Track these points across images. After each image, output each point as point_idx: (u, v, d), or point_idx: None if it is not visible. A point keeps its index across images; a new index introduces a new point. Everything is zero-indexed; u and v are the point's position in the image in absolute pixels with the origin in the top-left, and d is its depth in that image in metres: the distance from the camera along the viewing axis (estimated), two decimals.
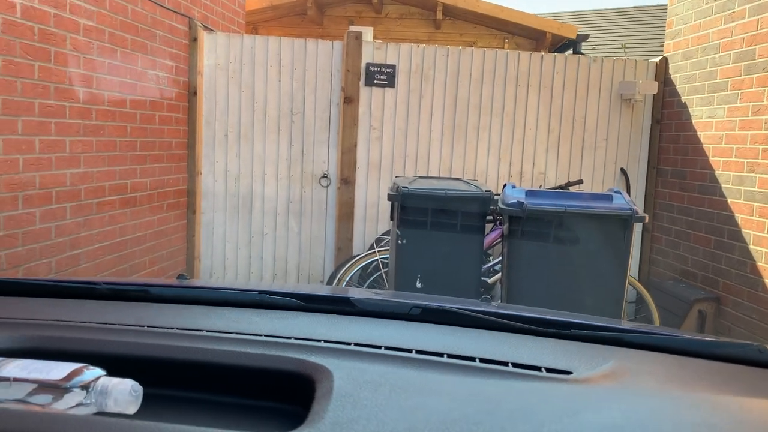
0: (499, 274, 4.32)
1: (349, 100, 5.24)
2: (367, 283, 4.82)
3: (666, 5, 5.50)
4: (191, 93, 5.12)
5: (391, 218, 3.97)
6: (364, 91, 5.29)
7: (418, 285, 3.68)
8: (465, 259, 3.72)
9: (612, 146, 5.46)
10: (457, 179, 4.22)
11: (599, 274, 3.49)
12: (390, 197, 3.82)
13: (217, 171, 5.32)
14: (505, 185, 3.73)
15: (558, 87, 5.38)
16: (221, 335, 1.01)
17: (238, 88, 5.25)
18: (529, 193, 3.53)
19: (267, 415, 0.88)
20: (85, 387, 0.79)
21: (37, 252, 3.51)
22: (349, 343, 1.00)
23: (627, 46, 10.37)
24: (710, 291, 4.63)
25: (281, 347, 0.95)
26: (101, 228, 4.09)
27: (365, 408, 0.76)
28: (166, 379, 0.91)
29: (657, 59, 5.46)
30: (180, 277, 1.44)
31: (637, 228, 5.28)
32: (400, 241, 3.70)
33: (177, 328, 1.04)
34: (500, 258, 4.17)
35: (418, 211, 3.71)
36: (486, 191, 3.71)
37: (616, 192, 3.62)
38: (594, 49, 10.92)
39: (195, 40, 5.08)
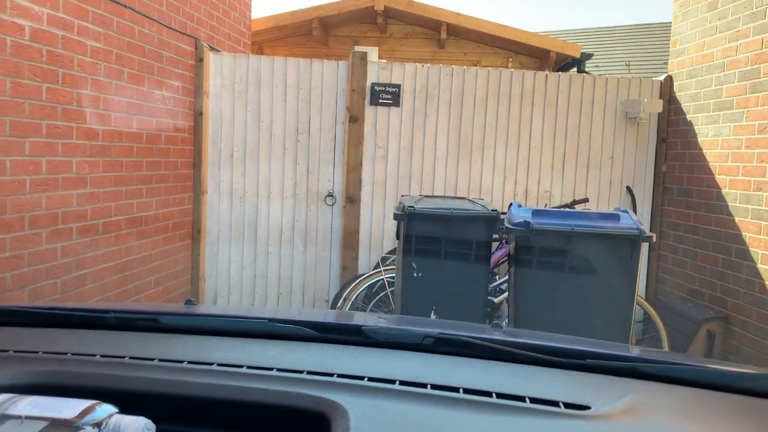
0: (506, 293, 4.30)
1: (355, 119, 5.26)
2: (373, 302, 4.80)
3: (670, 23, 5.52)
4: (197, 113, 5.14)
5: (397, 237, 3.96)
6: (369, 111, 5.30)
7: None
8: (472, 278, 3.70)
9: (617, 164, 5.45)
10: (463, 198, 4.22)
11: (607, 294, 3.46)
12: (396, 216, 3.81)
13: (223, 190, 5.33)
14: (511, 204, 3.72)
15: (563, 105, 5.39)
16: (233, 369, 0.99)
17: (244, 107, 5.27)
18: (536, 213, 3.52)
19: None
20: (98, 425, 0.78)
21: (43, 273, 3.51)
22: (362, 378, 0.98)
23: (631, 64, 10.41)
24: (718, 310, 4.60)
25: (295, 383, 0.94)
26: (107, 248, 4.08)
27: None
28: (179, 415, 0.90)
29: (662, 78, 5.47)
30: (188, 302, 1.43)
31: (644, 246, 5.26)
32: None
33: (188, 362, 1.03)
34: (507, 277, 4.15)
35: (424, 230, 3.70)
36: (492, 211, 3.70)
37: (623, 211, 3.60)
38: (598, 67, 10.96)
39: (201, 60, 5.11)
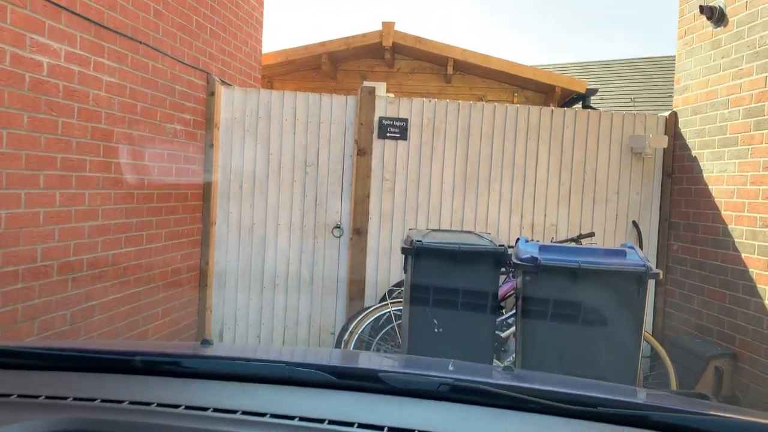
0: (513, 328, 4.30)
1: (363, 152, 5.32)
2: (380, 335, 4.79)
3: (674, 57, 5.60)
4: (208, 145, 5.21)
5: (405, 271, 3.98)
6: (377, 144, 5.37)
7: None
8: (479, 313, 3.71)
9: (623, 199, 5.48)
10: (470, 232, 4.25)
11: (614, 331, 3.46)
12: (404, 250, 3.84)
13: (231, 221, 5.37)
14: (518, 239, 3.75)
15: (568, 140, 5.45)
16: (257, 418, 1.02)
17: (254, 140, 5.34)
18: (543, 248, 3.55)
19: None
20: None
21: (53, 304, 3.53)
22: (382, 428, 1.00)
23: (636, 96, 10.51)
24: (726, 347, 4.58)
25: None
26: (116, 279, 4.11)
27: None
28: None
29: (666, 114, 5.53)
30: (204, 342, 1.46)
31: (651, 281, 5.26)
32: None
33: (213, 409, 1.05)
34: (513, 311, 4.16)
35: (431, 264, 3.72)
36: (500, 246, 3.72)
37: (629, 247, 3.62)
38: (602, 99, 11.07)
39: (213, 94, 5.20)
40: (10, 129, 3.15)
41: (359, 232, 5.35)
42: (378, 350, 4.81)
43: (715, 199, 4.82)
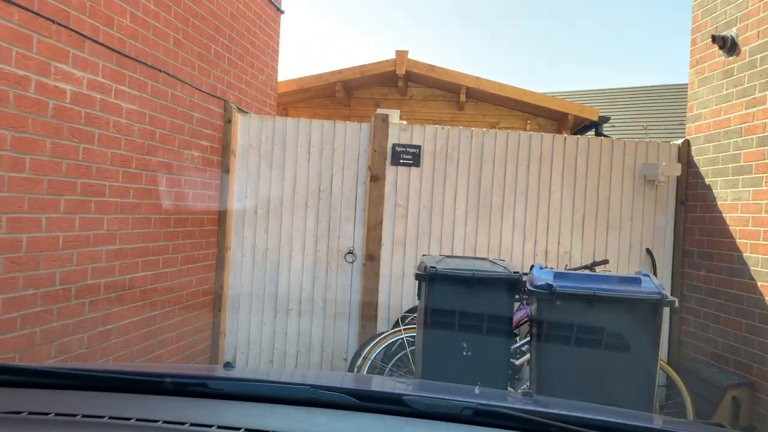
0: (527, 355, 4.27)
1: (376, 178, 5.37)
2: (392, 362, 4.78)
3: (686, 85, 5.63)
4: (224, 171, 5.28)
5: (418, 297, 3.99)
6: (390, 170, 5.42)
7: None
8: (493, 340, 3.70)
9: (637, 226, 5.48)
10: (484, 259, 4.25)
11: (629, 359, 3.44)
12: (417, 277, 3.85)
13: (246, 246, 5.42)
14: (532, 266, 3.75)
15: (581, 167, 5.47)
16: None
17: (269, 166, 5.41)
18: (558, 276, 3.55)
19: None
20: None
21: (71, 327, 3.57)
22: None
23: (648, 124, 10.53)
24: (743, 376, 4.52)
25: None
26: (132, 303, 4.15)
27: None
28: None
29: (679, 141, 5.54)
30: (226, 366, 1.48)
31: (666, 309, 5.22)
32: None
33: (245, 429, 1.07)
34: (528, 338, 4.14)
35: (445, 291, 3.73)
36: (514, 273, 3.73)
37: (644, 275, 3.61)
38: (614, 127, 11.10)
39: (229, 121, 5.29)
40: (33, 155, 3.22)
41: (372, 257, 5.37)
42: (391, 376, 4.79)
43: (730, 227, 4.81)
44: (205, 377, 1.35)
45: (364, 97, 8.23)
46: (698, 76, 5.34)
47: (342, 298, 5.44)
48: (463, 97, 7.72)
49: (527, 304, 4.54)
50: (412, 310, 5.17)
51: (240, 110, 5.48)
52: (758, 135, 4.53)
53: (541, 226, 5.46)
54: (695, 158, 5.34)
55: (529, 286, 3.54)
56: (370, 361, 4.65)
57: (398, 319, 5.21)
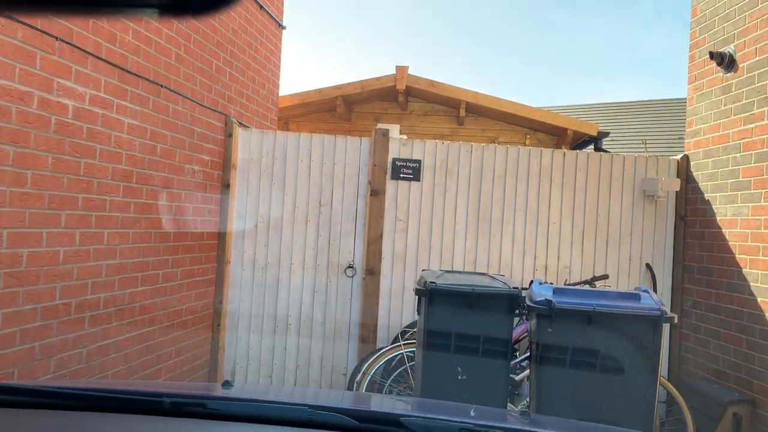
0: (527, 371, 4.26)
1: (376, 192, 5.38)
2: (392, 377, 4.77)
3: (685, 99, 5.66)
4: (224, 185, 5.30)
5: (418, 312, 3.98)
6: (390, 185, 5.43)
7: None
8: (493, 355, 3.70)
9: (636, 241, 5.48)
10: (484, 274, 4.25)
11: (629, 375, 3.43)
12: (417, 292, 3.85)
13: (246, 260, 5.42)
14: (531, 281, 3.75)
15: (581, 182, 5.49)
16: None
17: (270, 181, 5.42)
18: (557, 291, 3.55)
19: None
20: None
21: (70, 342, 3.57)
22: None
23: (647, 138, 10.56)
24: (744, 393, 4.51)
25: None
26: (131, 318, 4.15)
27: None
28: None
29: (678, 157, 5.56)
30: (225, 384, 1.48)
31: (666, 325, 5.21)
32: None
33: None
34: (527, 354, 4.13)
35: (445, 306, 3.73)
36: (513, 288, 3.73)
37: (643, 291, 3.61)
38: (614, 141, 11.13)
39: (230, 135, 5.31)
40: (34, 170, 3.24)
41: (372, 272, 5.37)
42: (390, 392, 4.78)
43: (729, 243, 4.81)
44: (203, 397, 1.35)
45: (364, 111, 8.27)
46: (697, 92, 5.37)
47: (342, 312, 5.44)
48: (462, 112, 7.75)
49: (527, 319, 4.53)
50: (412, 325, 5.16)
51: (241, 124, 5.51)
52: (757, 151, 4.54)
53: (540, 240, 5.46)
54: (694, 173, 5.36)
55: (528, 302, 3.54)
56: (369, 377, 4.64)
57: (398, 334, 5.20)
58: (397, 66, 7.38)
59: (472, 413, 1.39)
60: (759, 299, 4.43)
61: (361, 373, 4.67)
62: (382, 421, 1.32)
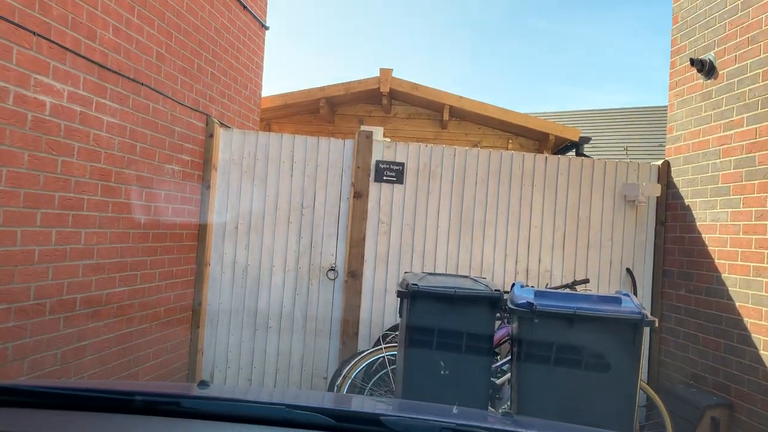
0: (508, 374, 4.26)
1: (359, 195, 5.36)
2: (373, 380, 4.74)
3: (666, 107, 5.71)
4: (205, 186, 5.24)
5: (400, 315, 3.96)
6: (373, 187, 5.41)
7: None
8: (474, 359, 3.68)
9: (617, 246, 5.51)
10: (466, 277, 4.24)
11: (610, 378, 3.44)
12: (399, 294, 3.83)
13: (226, 262, 5.36)
14: (513, 285, 3.75)
15: (562, 187, 5.51)
16: None
17: (251, 182, 5.38)
18: (539, 294, 3.54)
19: None
20: None
21: (44, 343, 3.49)
22: None
23: (628, 145, 10.66)
24: (722, 397, 4.54)
25: None
26: (108, 319, 4.08)
27: None
28: None
29: (659, 162, 5.61)
30: (201, 384, 1.44)
31: (646, 329, 5.24)
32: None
33: None
34: (509, 357, 4.13)
35: (427, 309, 3.71)
36: (495, 291, 3.72)
37: (624, 294, 3.62)
38: (595, 147, 11.22)
39: (211, 136, 5.26)
40: (9, 167, 3.17)
41: (354, 274, 5.34)
42: (371, 395, 4.74)
43: (709, 248, 4.85)
44: (178, 395, 1.32)
45: (348, 113, 8.24)
46: (677, 98, 5.42)
47: (323, 315, 5.40)
48: (446, 116, 7.76)
49: (508, 322, 4.53)
50: (394, 328, 5.13)
51: (222, 125, 5.46)
52: (736, 157, 4.59)
53: (522, 244, 5.47)
54: (675, 179, 5.40)
55: (510, 305, 3.53)
56: (350, 381, 4.60)
57: (379, 337, 5.18)
58: (381, 68, 7.38)
59: (455, 411, 1.37)
60: (737, 304, 4.47)
61: (342, 376, 4.64)
62: (361, 420, 1.29)
